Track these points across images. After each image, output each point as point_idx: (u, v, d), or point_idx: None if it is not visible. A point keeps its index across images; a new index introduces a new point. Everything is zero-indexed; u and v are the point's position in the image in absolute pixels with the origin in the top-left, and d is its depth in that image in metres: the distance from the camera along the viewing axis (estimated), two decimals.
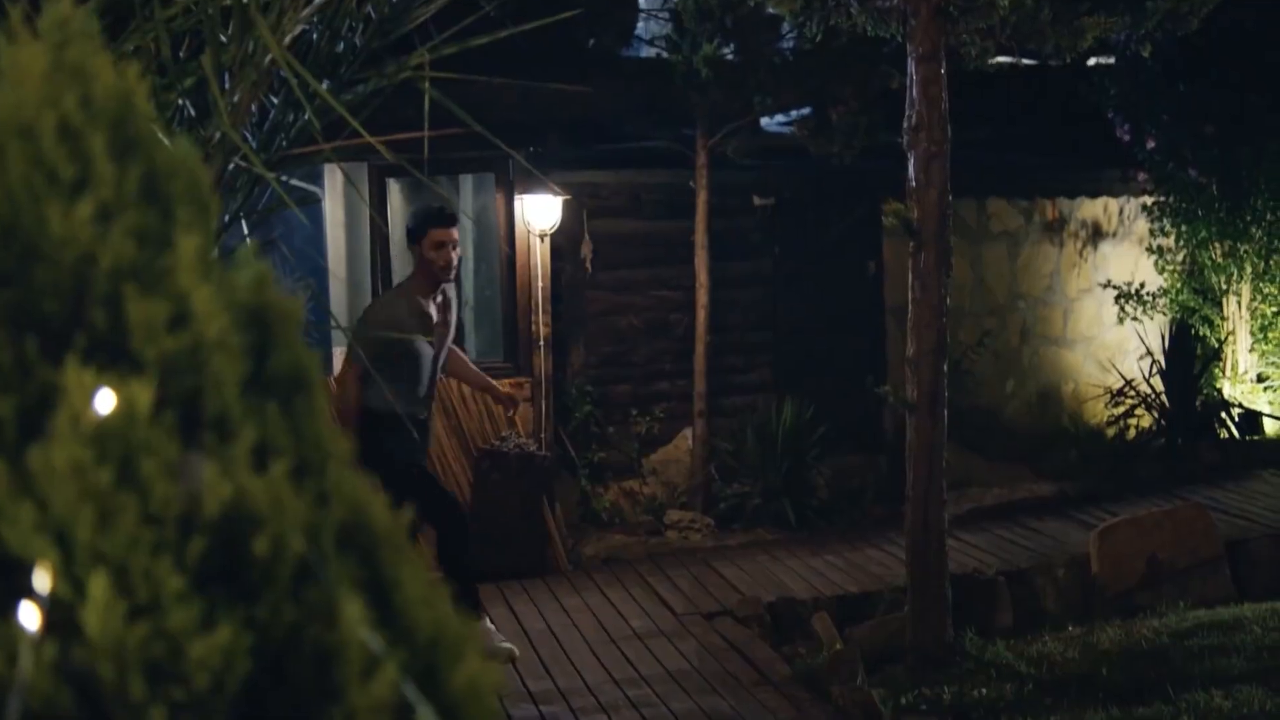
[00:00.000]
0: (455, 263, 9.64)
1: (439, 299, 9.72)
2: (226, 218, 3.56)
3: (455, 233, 9.58)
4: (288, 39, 3.45)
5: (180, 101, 3.48)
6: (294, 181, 3.74)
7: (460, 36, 3.78)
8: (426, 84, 3.59)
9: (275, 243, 3.91)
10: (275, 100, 3.62)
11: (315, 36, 3.61)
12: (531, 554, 12.20)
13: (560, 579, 12.08)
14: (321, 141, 3.58)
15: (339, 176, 12.25)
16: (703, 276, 13.77)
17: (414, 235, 9.60)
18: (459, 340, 11.61)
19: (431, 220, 9.54)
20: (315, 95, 3.40)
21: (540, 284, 13.39)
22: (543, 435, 13.31)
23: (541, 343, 13.44)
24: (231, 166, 3.46)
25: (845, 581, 11.73)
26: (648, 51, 14.45)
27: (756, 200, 14.65)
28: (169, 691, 1.16)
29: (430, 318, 9.54)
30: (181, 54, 3.60)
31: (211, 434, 1.24)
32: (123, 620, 1.16)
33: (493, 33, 3.83)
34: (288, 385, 1.31)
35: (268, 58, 3.37)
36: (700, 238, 13.77)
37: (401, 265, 13.97)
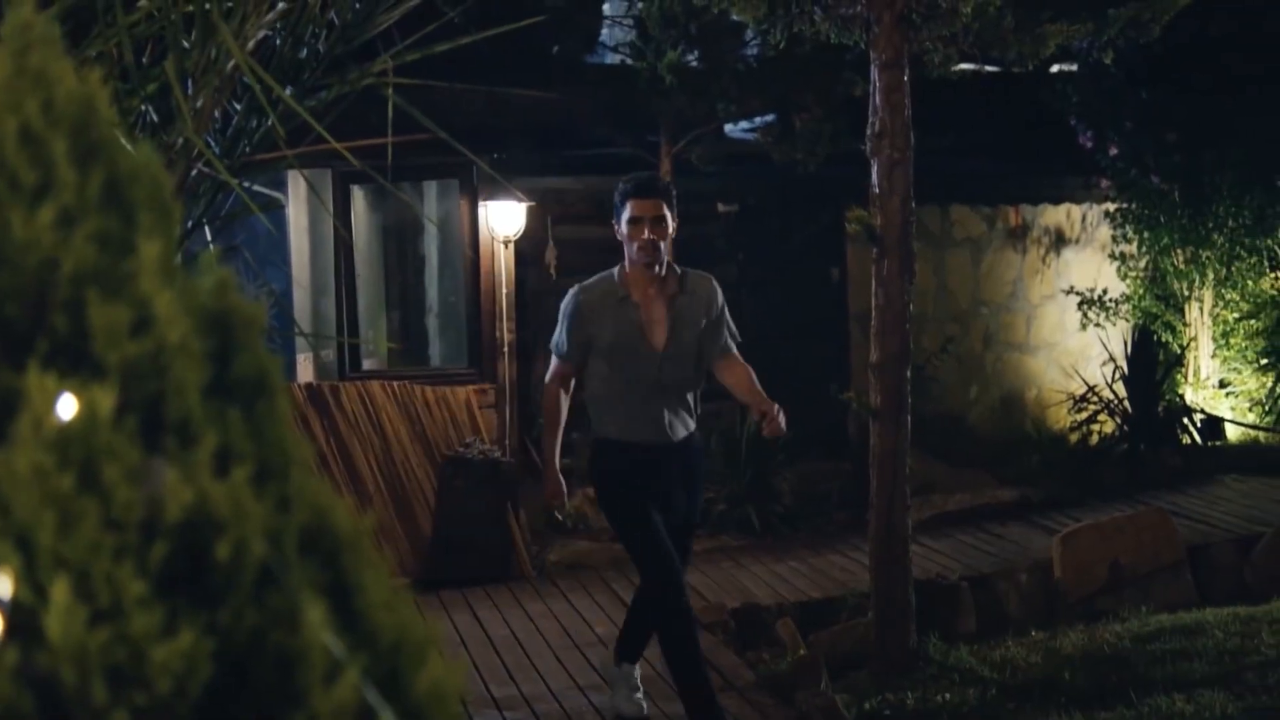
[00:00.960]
0: (660, 247, 7.87)
1: (668, 293, 8.03)
2: (189, 223, 3.56)
3: (656, 207, 7.85)
4: (250, 45, 3.45)
5: (143, 107, 3.48)
6: (257, 187, 3.73)
7: (423, 43, 3.79)
8: (390, 90, 3.59)
9: (238, 249, 3.90)
10: (238, 106, 3.62)
11: (278, 42, 3.60)
12: (496, 560, 12.19)
13: (525, 585, 12.07)
14: (285, 148, 3.58)
15: (303, 183, 12.23)
16: None
17: (613, 213, 8.07)
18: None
19: (624, 192, 7.94)
20: (278, 101, 3.39)
21: (504, 290, 13.38)
22: (507, 441, 13.30)
23: (506, 349, 13.43)
24: (194, 172, 3.45)
25: (809, 587, 11.75)
26: (612, 58, 14.47)
27: (720, 207, 14.68)
28: (131, 696, 1.17)
29: (635, 310, 7.95)
30: (144, 60, 3.59)
31: (173, 439, 1.24)
32: (85, 625, 1.16)
33: (456, 39, 3.83)
34: (250, 390, 1.32)
35: (231, 63, 3.37)
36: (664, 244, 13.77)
37: (366, 271, 13.96)
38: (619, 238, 7.97)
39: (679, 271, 8.11)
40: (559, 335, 8.13)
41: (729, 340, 8.27)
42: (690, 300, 8.05)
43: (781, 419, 7.94)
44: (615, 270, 8.04)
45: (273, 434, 1.31)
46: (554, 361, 8.24)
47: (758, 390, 8.20)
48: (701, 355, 8.15)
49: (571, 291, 8.15)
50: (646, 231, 7.76)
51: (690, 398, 8.18)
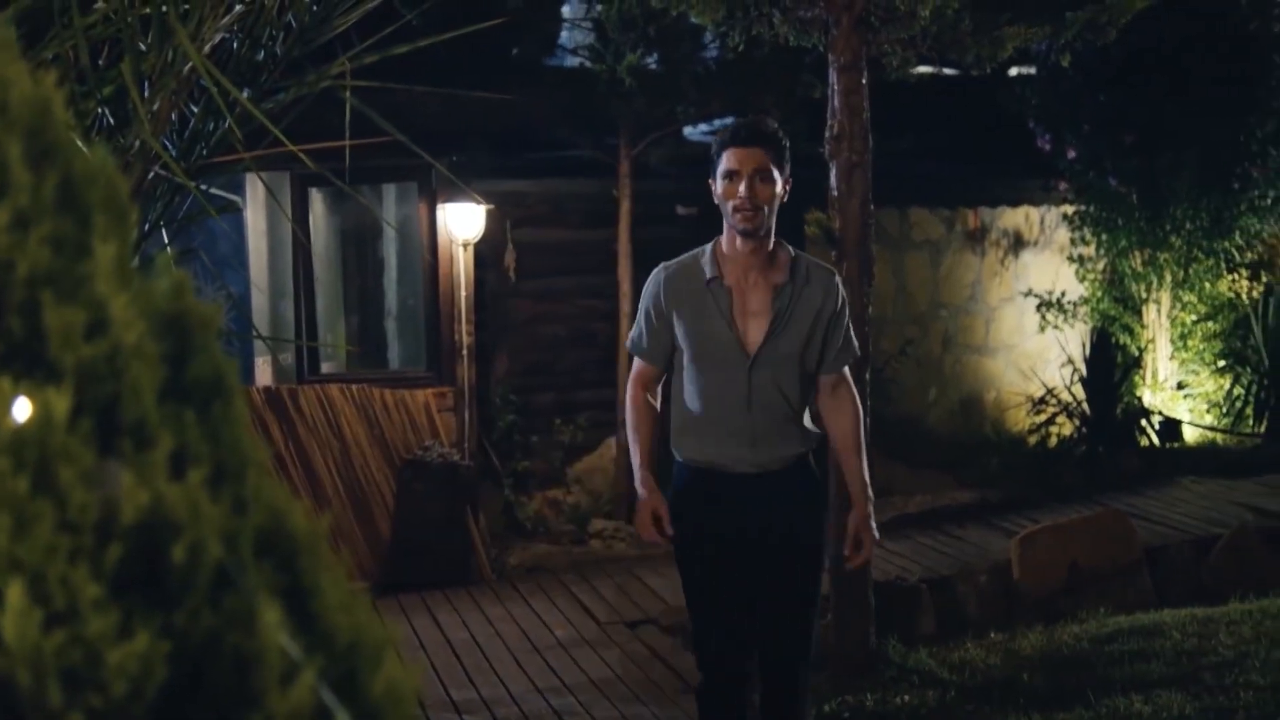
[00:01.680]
0: (764, 211, 6.14)
1: (773, 279, 6.26)
2: (146, 226, 3.55)
3: (759, 157, 6.12)
4: (207, 47, 3.44)
5: (99, 109, 3.47)
6: (214, 190, 3.73)
7: (381, 45, 3.79)
8: (348, 93, 3.59)
9: (196, 251, 3.89)
10: (195, 108, 3.61)
11: (235, 45, 3.60)
12: (455, 564, 12.18)
13: (484, 588, 12.06)
14: (242, 150, 3.58)
15: (261, 186, 12.20)
16: (626, 285, 13.79)
17: (709, 170, 6.34)
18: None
19: (721, 141, 6.29)
20: (236, 103, 3.39)
21: (463, 293, 13.37)
22: (466, 444, 13.29)
23: (465, 352, 13.42)
24: (151, 175, 3.44)
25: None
26: (572, 61, 14.47)
27: (680, 209, 14.68)
28: (87, 699, 1.16)
29: (726, 295, 6.22)
30: (100, 62, 3.58)
31: (129, 441, 1.24)
32: (40, 628, 1.16)
33: (414, 41, 3.83)
34: (206, 392, 1.31)
35: (187, 66, 3.36)
36: (623, 246, 13.80)
37: (325, 275, 13.94)
38: (715, 200, 6.29)
39: (792, 253, 6.32)
40: (636, 325, 6.49)
41: (842, 354, 6.41)
42: (801, 291, 6.24)
43: (872, 531, 6.41)
44: (708, 245, 6.37)
45: (229, 436, 1.31)
46: (635, 361, 6.54)
47: (856, 454, 6.47)
48: (805, 364, 6.32)
49: (655, 271, 6.44)
50: (743, 188, 6.06)
51: (795, 413, 6.32)
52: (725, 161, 6.18)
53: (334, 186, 12.71)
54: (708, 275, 6.22)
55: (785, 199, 6.25)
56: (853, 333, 6.50)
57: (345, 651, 1.28)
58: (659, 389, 6.55)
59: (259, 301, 13.22)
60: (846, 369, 6.51)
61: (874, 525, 6.45)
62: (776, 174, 6.15)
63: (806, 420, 6.40)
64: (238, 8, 3.46)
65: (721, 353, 6.22)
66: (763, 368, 6.21)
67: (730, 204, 6.15)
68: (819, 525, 6.52)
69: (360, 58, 3.69)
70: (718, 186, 6.23)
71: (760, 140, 6.17)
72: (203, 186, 3.59)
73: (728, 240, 6.29)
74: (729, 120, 14.32)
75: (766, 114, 13.32)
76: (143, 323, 1.27)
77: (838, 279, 6.40)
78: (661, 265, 6.44)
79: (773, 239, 6.26)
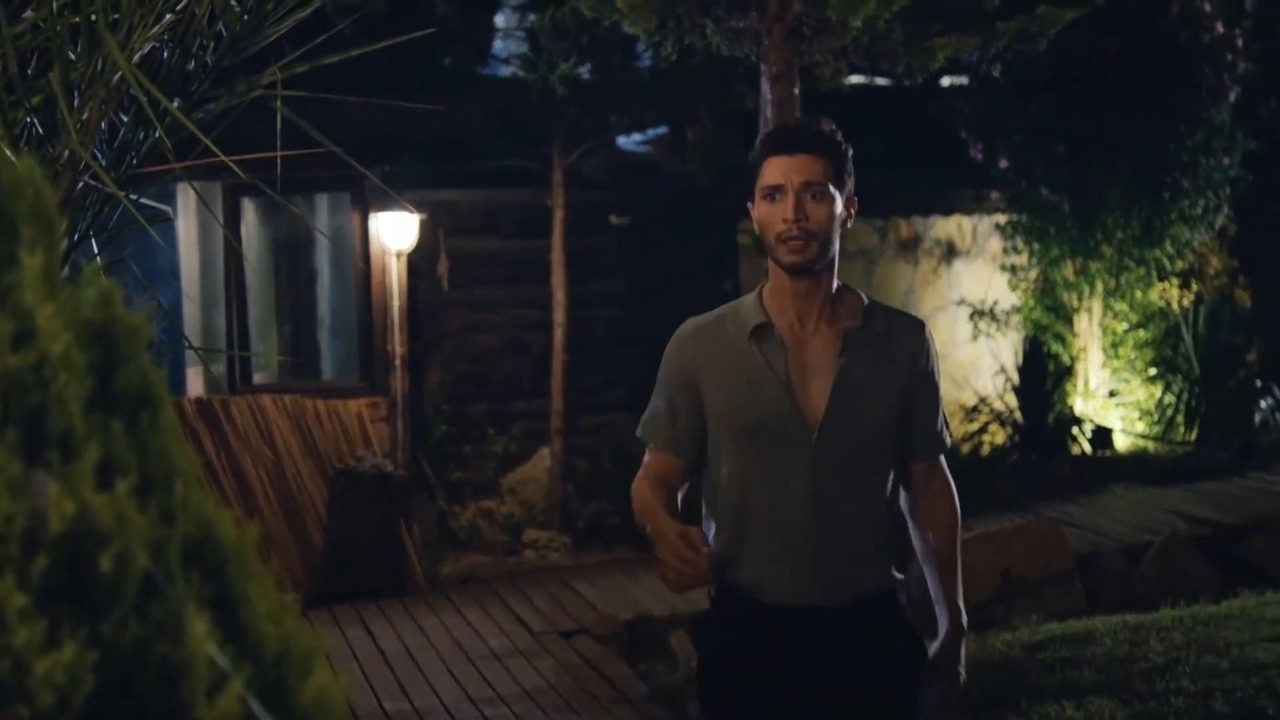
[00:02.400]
0: (818, 238, 4.37)
1: (839, 326, 4.51)
2: (76, 236, 3.53)
3: (810, 168, 4.39)
4: (137, 57, 3.43)
5: (28, 119, 3.45)
6: (144, 200, 3.71)
7: (313, 55, 3.78)
8: (279, 102, 3.58)
9: (126, 261, 3.88)
10: (125, 118, 3.60)
11: (166, 54, 3.59)
12: (388, 574, 12.15)
13: (417, 599, 12.03)
14: (173, 160, 3.57)
15: (193, 196, 12.15)
16: (559, 295, 13.79)
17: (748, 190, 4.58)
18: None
19: (760, 150, 4.54)
20: (166, 113, 3.38)
21: (396, 303, 13.35)
22: (399, 455, 13.26)
23: (398, 362, 13.40)
24: (81, 184, 3.43)
25: (703, 599, 11.71)
26: (505, 70, 14.47)
27: (613, 219, 14.71)
28: (13, 709, 1.16)
29: (777, 349, 4.47)
30: (29, 71, 3.56)
31: (55, 451, 1.24)
32: None
33: (346, 51, 3.83)
34: (133, 402, 1.31)
35: (117, 75, 3.35)
36: (557, 256, 13.80)
37: (257, 285, 13.89)
38: (755, 230, 4.59)
39: (864, 299, 4.61)
40: (651, 405, 4.73)
41: (937, 434, 4.69)
42: (878, 344, 4.52)
43: (960, 667, 4.68)
44: (752, 293, 4.66)
45: (157, 446, 1.31)
46: (645, 457, 4.69)
47: (951, 568, 4.76)
48: (892, 445, 4.55)
49: (680, 328, 4.72)
50: (793, 209, 4.36)
51: (881, 518, 4.56)
52: (766, 175, 4.45)
53: (266, 196, 12.68)
54: (754, 322, 4.50)
55: (850, 223, 4.57)
56: (944, 410, 4.78)
57: (274, 661, 1.28)
58: (681, 493, 4.61)
59: (191, 311, 13.16)
60: (942, 458, 4.76)
61: (963, 661, 4.71)
62: (834, 190, 4.43)
63: (893, 534, 4.65)
64: (168, 17, 3.45)
65: (772, 427, 4.43)
66: (833, 447, 4.41)
67: (774, 232, 4.41)
68: (913, 694, 4.64)
69: (291, 67, 3.68)
70: (756, 209, 4.49)
71: (811, 145, 4.45)
72: (133, 196, 3.57)
73: (775, 282, 4.54)
74: (662, 130, 14.38)
75: (699, 123, 13.40)
76: (69, 333, 1.27)
77: (928, 330, 4.67)
78: (691, 319, 4.70)
79: (835, 278, 4.56)
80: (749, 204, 4.54)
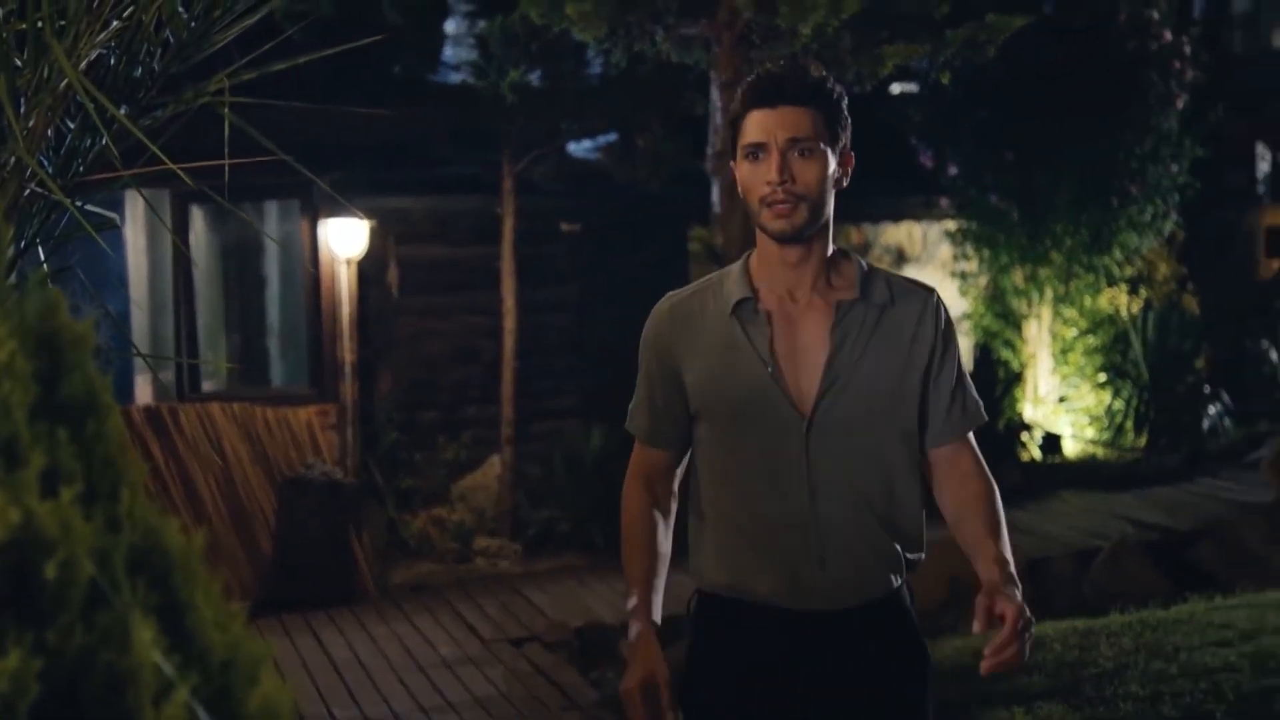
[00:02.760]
0: (807, 200, 3.85)
1: (833, 297, 3.98)
2: (22, 243, 3.52)
3: (798, 122, 3.85)
4: (84, 63, 3.41)
5: None
6: (90, 207, 3.70)
7: (261, 61, 3.77)
8: (226, 109, 3.57)
9: (73, 269, 3.86)
10: (72, 125, 3.58)
11: (113, 61, 3.57)
12: (338, 583, 12.11)
13: (367, 607, 12.00)
14: (120, 167, 3.55)
15: (141, 202, 12.11)
16: (510, 302, 13.78)
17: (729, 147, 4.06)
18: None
19: (742, 100, 3.97)
20: (113, 120, 3.37)
21: (346, 310, 13.32)
22: (349, 462, 13.24)
23: (348, 369, 13.37)
24: (27, 192, 3.41)
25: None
26: (455, 77, 14.46)
27: (564, 226, 14.72)
28: None
29: (763, 325, 3.96)
30: None
31: (0, 459, 1.23)
32: None
33: (294, 58, 3.82)
34: (79, 410, 1.31)
35: (64, 82, 3.34)
36: (507, 263, 13.79)
37: (206, 292, 13.85)
38: (739, 192, 4.06)
39: (863, 265, 4.09)
40: (635, 393, 4.28)
41: (961, 411, 4.13)
42: (878, 317, 3.99)
43: (1026, 644, 3.67)
44: (737, 263, 4.19)
45: (102, 454, 1.30)
46: (634, 449, 4.31)
47: (994, 536, 3.97)
48: (898, 428, 4.02)
49: (658, 304, 4.27)
50: (777, 169, 3.83)
51: (888, 511, 4.01)
52: (747, 131, 3.92)
53: (215, 203, 12.63)
54: (736, 296, 4.01)
55: (845, 181, 4.05)
56: (970, 381, 4.23)
57: (220, 668, 1.27)
58: (674, 485, 4.26)
59: (139, 319, 13.11)
60: (971, 436, 4.19)
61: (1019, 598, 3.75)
62: (825, 146, 3.90)
63: (908, 525, 4.09)
64: (115, 24, 3.44)
65: (758, 414, 3.96)
66: (828, 435, 3.93)
67: (757, 196, 3.89)
68: (917, 696, 4.20)
69: (240, 74, 3.67)
70: (738, 170, 3.96)
71: (798, 96, 3.89)
72: (80, 204, 3.56)
73: (761, 251, 4.05)
74: (613, 137, 14.40)
75: (649, 130, 13.40)
76: (14, 341, 1.27)
77: (937, 298, 4.13)
78: (667, 295, 4.26)
79: (829, 244, 4.04)
80: (731, 163, 4.02)
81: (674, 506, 4.23)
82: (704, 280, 4.23)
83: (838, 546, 3.93)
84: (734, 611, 4.08)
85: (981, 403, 4.24)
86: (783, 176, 3.83)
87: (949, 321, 4.12)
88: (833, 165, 3.93)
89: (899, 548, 4.04)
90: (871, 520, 3.97)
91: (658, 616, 4.10)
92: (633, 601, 4.12)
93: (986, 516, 4.01)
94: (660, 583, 4.15)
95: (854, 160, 4.08)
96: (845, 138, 4.01)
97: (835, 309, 3.95)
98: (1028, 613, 3.68)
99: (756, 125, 3.89)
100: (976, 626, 3.72)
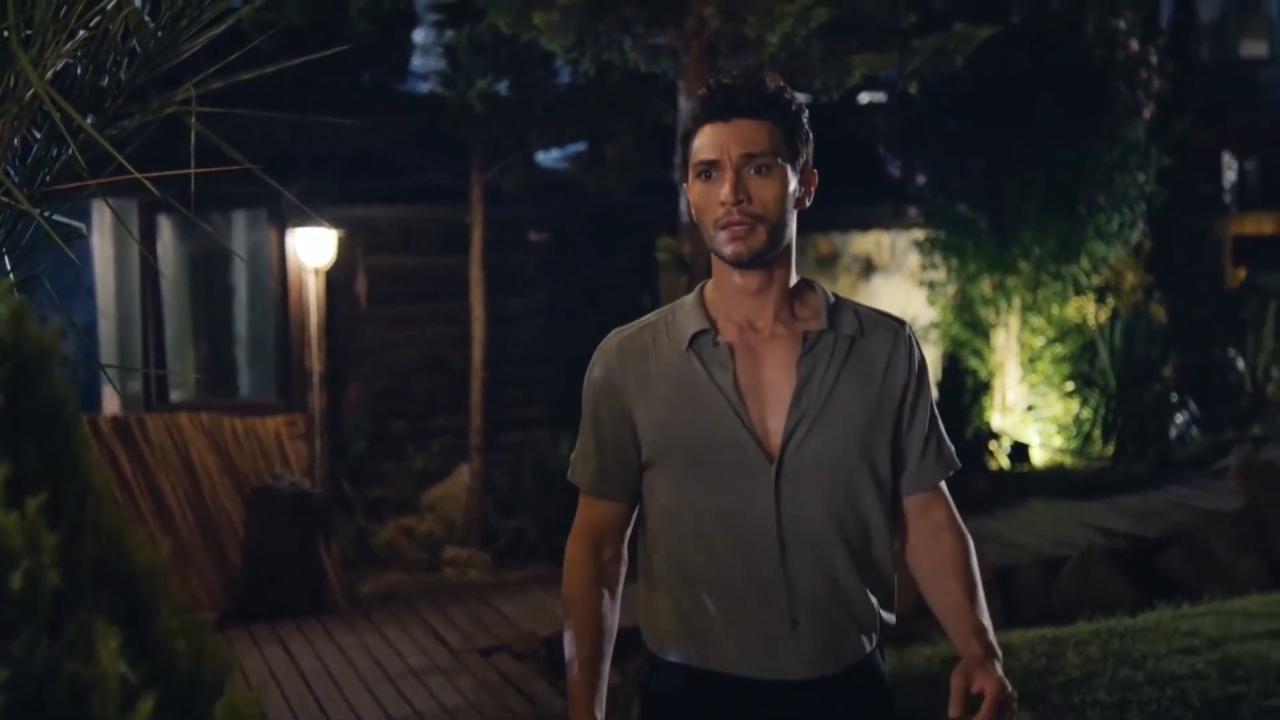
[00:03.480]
0: (766, 221, 3.53)
1: (797, 328, 3.66)
2: None
3: (754, 136, 3.52)
4: (50, 73, 3.41)
5: None
6: (56, 217, 3.69)
7: (229, 71, 3.77)
8: (193, 119, 3.56)
9: (39, 279, 3.85)
10: (39, 134, 3.57)
11: (79, 70, 3.57)
12: (307, 593, 12.09)
13: (336, 617, 11.97)
14: (87, 177, 3.55)
15: (108, 212, 12.08)
16: (478, 311, 13.77)
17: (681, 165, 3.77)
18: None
19: (694, 114, 3.63)
20: (80, 130, 3.36)
21: (314, 319, 13.31)
22: (317, 472, 13.21)
23: (316, 379, 13.35)
24: None
25: (621, 616, 11.75)
26: (424, 87, 14.46)
27: (532, 235, 14.72)
28: None
29: (724, 360, 3.60)
30: None
31: None
32: None
33: (262, 67, 3.82)
34: (44, 420, 1.31)
35: (30, 92, 3.33)
36: (475, 273, 13.78)
37: (174, 302, 13.82)
38: (693, 214, 3.69)
39: (829, 296, 3.78)
40: (578, 440, 3.89)
41: (935, 456, 3.79)
42: (846, 350, 3.67)
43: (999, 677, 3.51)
44: (691, 294, 3.82)
45: (68, 463, 1.30)
46: (579, 505, 3.87)
47: (971, 604, 3.70)
48: (874, 471, 3.66)
49: (604, 341, 3.84)
50: (731, 188, 3.50)
51: (866, 565, 3.66)
52: (698, 148, 3.60)
53: (183, 213, 12.58)
54: (692, 329, 3.66)
55: (808, 201, 3.74)
56: (942, 425, 3.87)
57: (185, 678, 1.27)
58: (624, 546, 3.85)
59: (107, 329, 13.08)
60: (944, 485, 3.84)
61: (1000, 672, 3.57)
62: (784, 163, 3.57)
63: (885, 581, 3.76)
64: (81, 33, 3.44)
65: (720, 457, 3.58)
66: (799, 478, 3.56)
67: (711, 218, 3.57)
68: None
69: (207, 83, 3.67)
70: (691, 190, 3.64)
71: (752, 108, 3.56)
72: (46, 213, 3.55)
73: (718, 278, 3.71)
74: (581, 146, 14.40)
75: (618, 139, 13.41)
76: None
77: (909, 331, 3.80)
78: (615, 330, 3.83)
79: (793, 271, 3.73)
80: (684, 184, 3.70)
81: (623, 572, 3.86)
82: (655, 314, 3.83)
83: (812, 607, 3.56)
84: (694, 683, 3.67)
85: (954, 448, 3.88)
86: (738, 196, 3.51)
87: (922, 358, 3.79)
88: (793, 183, 3.61)
89: (875, 605, 3.70)
90: (850, 575, 3.61)
91: (601, 711, 3.66)
92: (574, 690, 3.68)
93: (963, 579, 3.74)
94: (606, 667, 3.72)
95: (817, 178, 3.73)
96: (806, 153, 3.68)
97: (802, 340, 3.63)
98: (1009, 687, 3.50)
99: (708, 141, 3.57)
100: (952, 710, 3.49)
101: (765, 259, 3.58)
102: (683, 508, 3.62)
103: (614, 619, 3.78)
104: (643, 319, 3.81)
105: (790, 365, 3.60)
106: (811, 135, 3.70)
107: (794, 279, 3.70)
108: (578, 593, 3.77)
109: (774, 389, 3.60)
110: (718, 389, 3.57)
